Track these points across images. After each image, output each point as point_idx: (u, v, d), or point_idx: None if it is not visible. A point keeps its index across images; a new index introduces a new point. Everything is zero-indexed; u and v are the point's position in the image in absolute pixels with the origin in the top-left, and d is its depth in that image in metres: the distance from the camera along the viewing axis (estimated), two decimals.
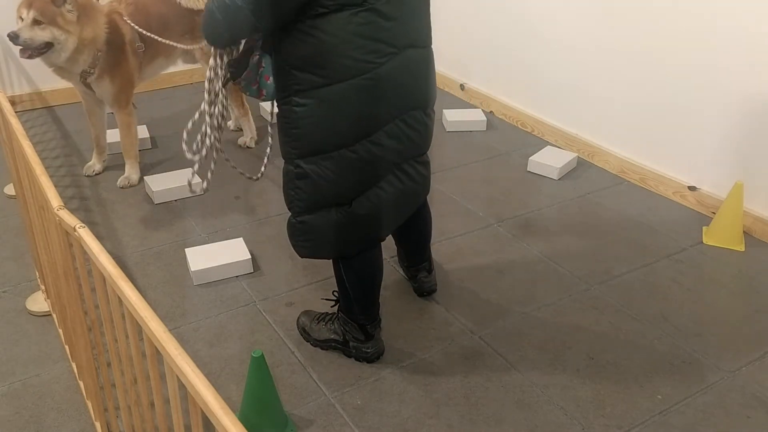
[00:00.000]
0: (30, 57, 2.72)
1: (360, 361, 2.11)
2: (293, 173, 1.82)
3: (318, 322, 2.17)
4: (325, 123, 1.73)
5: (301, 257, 1.97)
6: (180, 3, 3.11)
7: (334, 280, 2.07)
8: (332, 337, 2.13)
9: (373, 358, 2.11)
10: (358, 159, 1.78)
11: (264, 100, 1.84)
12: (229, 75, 1.82)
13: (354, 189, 1.83)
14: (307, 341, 2.18)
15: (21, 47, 2.68)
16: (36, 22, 2.66)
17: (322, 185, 1.80)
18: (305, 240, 1.91)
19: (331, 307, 2.18)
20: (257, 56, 1.79)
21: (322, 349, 2.16)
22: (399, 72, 1.76)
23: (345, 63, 1.67)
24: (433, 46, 1.94)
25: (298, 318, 2.23)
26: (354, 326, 2.07)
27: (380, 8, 1.65)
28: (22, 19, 2.67)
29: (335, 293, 2.14)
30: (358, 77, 1.69)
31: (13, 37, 2.65)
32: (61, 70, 2.88)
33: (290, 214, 1.92)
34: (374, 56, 1.69)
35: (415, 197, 2.05)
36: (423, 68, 1.87)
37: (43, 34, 2.67)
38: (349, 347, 2.11)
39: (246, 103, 3.48)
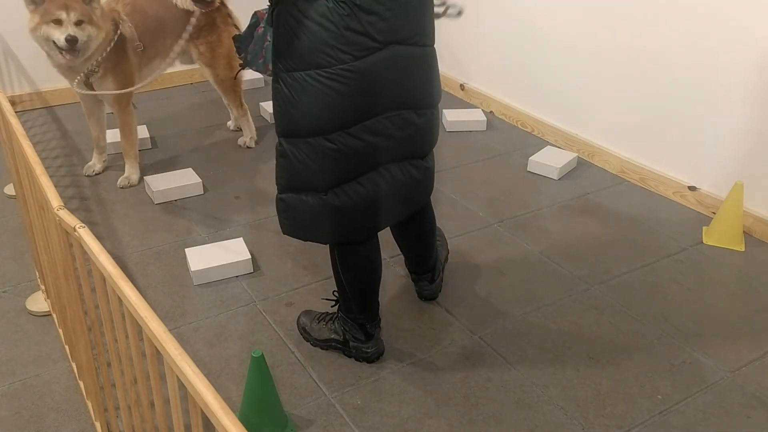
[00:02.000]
0: (75, 57, 2.72)
1: (360, 361, 2.11)
2: (278, 150, 1.86)
3: (318, 322, 2.17)
4: (302, 107, 1.74)
5: (283, 233, 1.97)
6: (176, 4, 3.11)
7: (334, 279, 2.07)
8: (332, 336, 2.13)
9: (373, 358, 2.11)
10: (334, 150, 1.78)
11: (270, 75, 1.84)
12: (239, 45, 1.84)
13: (329, 179, 1.82)
14: (308, 341, 2.18)
15: (66, 50, 2.68)
16: (78, 23, 2.68)
17: (299, 168, 1.81)
18: (285, 218, 1.93)
19: (332, 307, 2.18)
20: (262, 28, 1.80)
21: (322, 348, 2.16)
22: (382, 68, 1.75)
23: (325, 51, 1.67)
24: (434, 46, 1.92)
25: (299, 318, 2.23)
26: (354, 326, 2.07)
27: (358, 1, 1.65)
28: (61, 21, 2.66)
29: (335, 293, 2.14)
30: (336, 66, 1.69)
31: (72, 41, 2.65)
32: (67, 70, 2.86)
33: None
34: (353, 48, 1.68)
35: (406, 201, 2.01)
36: (415, 67, 1.84)
37: (83, 33, 2.71)
38: (349, 347, 2.11)
39: (245, 104, 3.48)
